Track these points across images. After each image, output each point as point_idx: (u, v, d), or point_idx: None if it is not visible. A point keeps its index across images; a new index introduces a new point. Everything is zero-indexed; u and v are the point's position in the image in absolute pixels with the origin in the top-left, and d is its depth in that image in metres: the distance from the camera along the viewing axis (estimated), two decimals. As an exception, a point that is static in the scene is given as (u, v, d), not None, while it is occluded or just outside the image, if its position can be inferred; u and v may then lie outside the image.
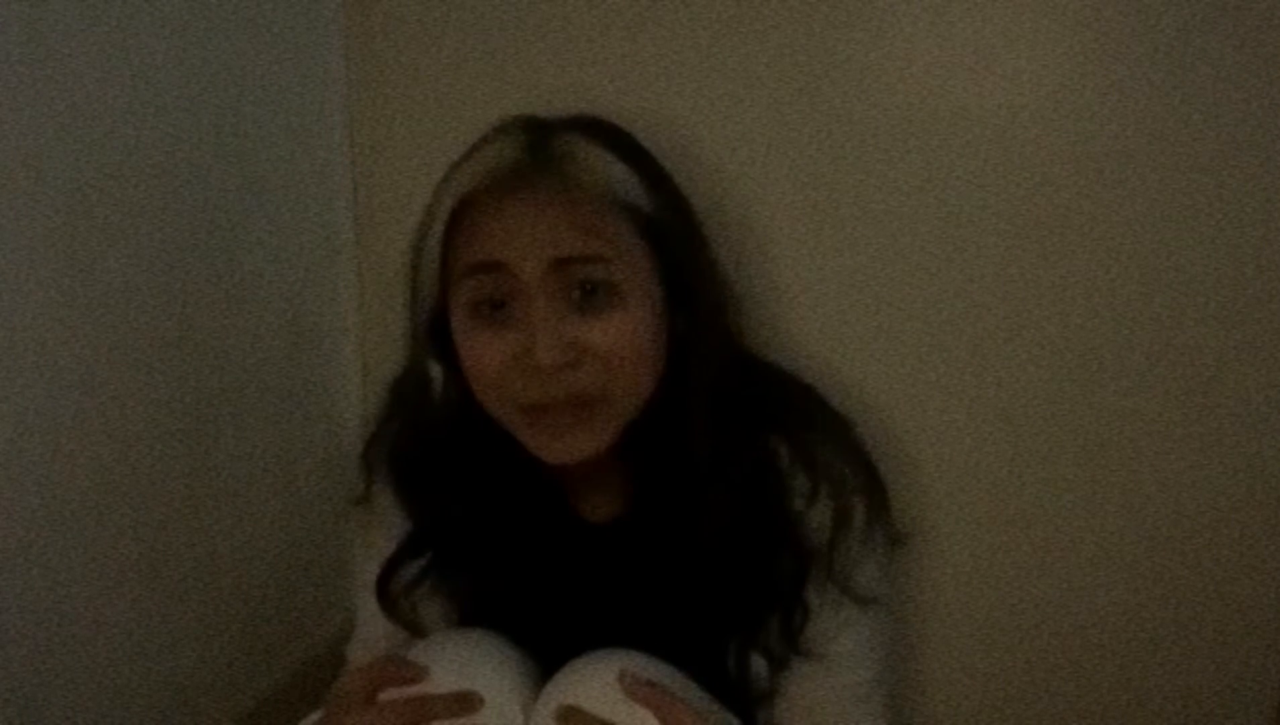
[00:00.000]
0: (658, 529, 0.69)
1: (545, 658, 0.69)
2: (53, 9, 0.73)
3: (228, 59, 0.91)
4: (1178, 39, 0.86)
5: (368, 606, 0.76)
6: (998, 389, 0.95)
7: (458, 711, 0.62)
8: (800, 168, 0.94)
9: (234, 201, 0.93)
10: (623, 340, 0.64)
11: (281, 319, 1.01)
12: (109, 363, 0.81)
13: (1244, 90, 0.85)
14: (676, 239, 0.68)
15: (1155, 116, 0.87)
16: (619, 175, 0.66)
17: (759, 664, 0.69)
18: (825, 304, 0.96)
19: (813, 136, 0.93)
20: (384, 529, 0.76)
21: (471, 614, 0.73)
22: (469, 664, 0.65)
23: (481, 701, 0.63)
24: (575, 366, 0.64)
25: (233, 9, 0.91)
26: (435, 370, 0.71)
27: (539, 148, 0.66)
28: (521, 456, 0.67)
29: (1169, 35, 0.86)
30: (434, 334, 0.70)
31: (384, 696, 0.64)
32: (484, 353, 0.65)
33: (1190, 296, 0.90)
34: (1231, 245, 0.88)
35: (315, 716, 0.72)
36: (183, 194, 0.87)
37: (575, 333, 0.64)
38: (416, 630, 0.73)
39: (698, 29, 0.93)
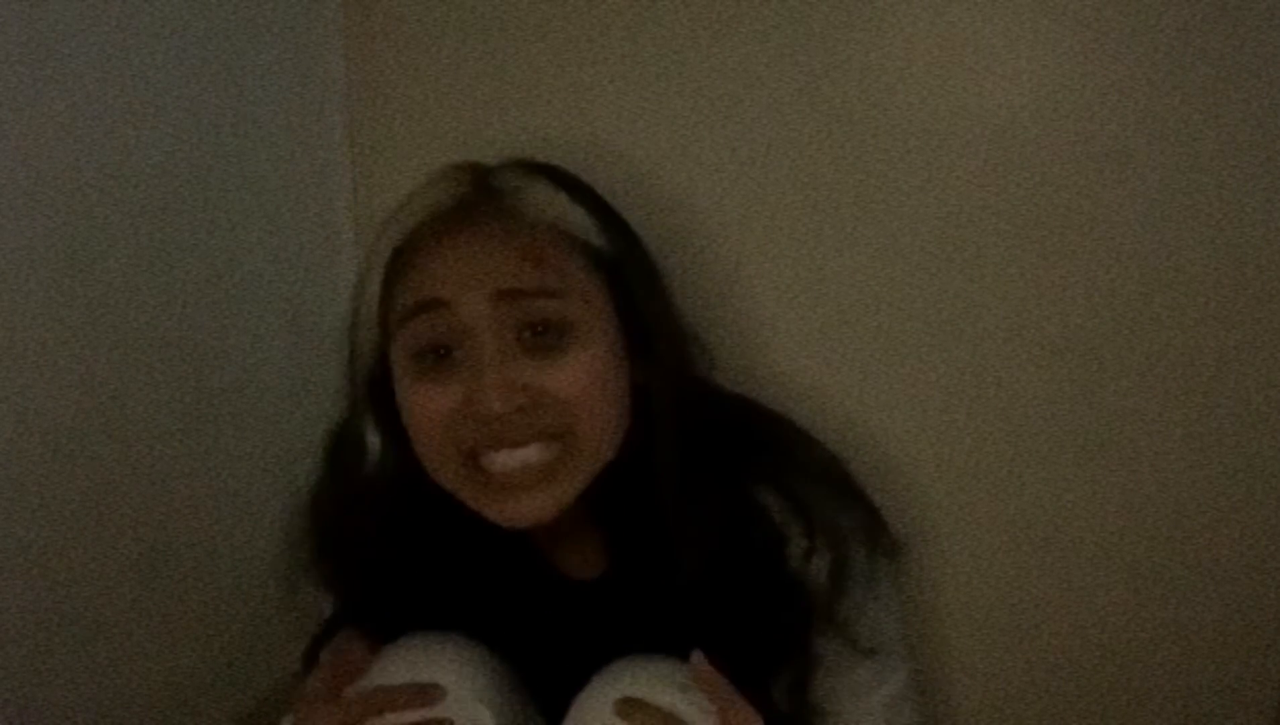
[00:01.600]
0: (643, 584, 0.65)
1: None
2: (53, 9, 0.73)
3: (228, 59, 0.91)
4: (1178, 39, 0.86)
5: None
6: (998, 389, 0.95)
7: (418, 703, 0.61)
8: (799, 167, 0.94)
9: (234, 201, 0.93)
10: (583, 382, 0.60)
11: (281, 319, 1.01)
12: (109, 363, 0.81)
13: (1244, 90, 0.85)
14: (631, 275, 0.64)
15: (1155, 116, 0.87)
16: (566, 209, 0.63)
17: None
18: (824, 303, 0.96)
19: (812, 136, 0.93)
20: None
21: None
22: (427, 664, 0.63)
23: (443, 693, 0.62)
24: (532, 411, 0.59)
25: (233, 9, 0.90)
26: (373, 438, 0.67)
27: (481, 184, 0.64)
28: (485, 519, 0.64)
29: (1169, 35, 0.86)
30: (374, 398, 0.66)
31: (348, 693, 0.63)
32: (427, 403, 0.61)
33: (1190, 296, 0.90)
34: (1231, 245, 0.88)
35: (287, 721, 0.72)
36: (183, 194, 0.87)
37: (528, 378, 0.59)
38: None
39: (697, 29, 0.93)
